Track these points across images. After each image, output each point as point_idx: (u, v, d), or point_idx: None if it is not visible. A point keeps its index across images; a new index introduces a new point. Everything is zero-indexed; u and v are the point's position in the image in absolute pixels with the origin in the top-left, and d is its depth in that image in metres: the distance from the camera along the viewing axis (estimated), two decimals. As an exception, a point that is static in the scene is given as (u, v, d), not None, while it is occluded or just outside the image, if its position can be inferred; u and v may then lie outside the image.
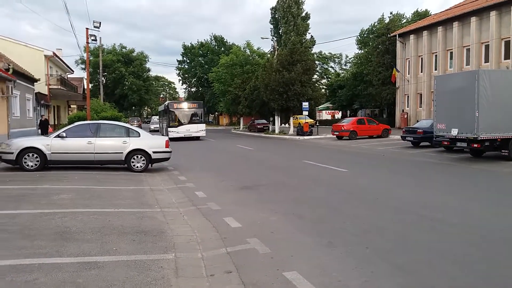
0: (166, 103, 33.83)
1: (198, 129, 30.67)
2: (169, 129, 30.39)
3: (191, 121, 30.93)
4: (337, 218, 7.01)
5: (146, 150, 12.59)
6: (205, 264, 4.95)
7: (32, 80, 27.04)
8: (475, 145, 14.17)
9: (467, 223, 6.65)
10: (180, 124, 30.52)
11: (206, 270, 4.76)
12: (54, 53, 34.47)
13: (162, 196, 9.14)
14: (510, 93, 14.08)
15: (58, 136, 12.31)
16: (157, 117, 68.59)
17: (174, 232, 6.15)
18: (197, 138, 30.72)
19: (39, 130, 25.38)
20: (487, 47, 29.11)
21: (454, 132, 14.60)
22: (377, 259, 5.01)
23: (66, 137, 12.24)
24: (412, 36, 36.10)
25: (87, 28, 27.10)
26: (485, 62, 29.22)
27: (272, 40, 47.76)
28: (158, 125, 46.00)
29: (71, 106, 48.02)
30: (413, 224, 6.61)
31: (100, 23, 27.01)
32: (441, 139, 16.07)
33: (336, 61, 72.11)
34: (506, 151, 14.28)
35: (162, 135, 32.64)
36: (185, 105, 32.32)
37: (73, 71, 46.13)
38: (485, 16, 28.95)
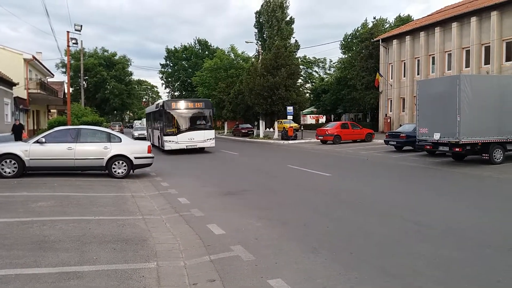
0: (161, 102, 24.93)
1: (204, 137, 22.55)
2: (165, 137, 22.22)
3: (195, 127, 22.83)
4: (321, 223, 6.98)
5: (127, 155, 12.40)
6: (187, 273, 4.84)
7: (10, 84, 26.51)
8: (457, 149, 14.38)
9: (451, 226, 6.69)
10: (180, 131, 22.31)
11: (189, 279, 4.66)
12: (33, 56, 33.92)
13: (144, 202, 8.98)
14: (490, 97, 14.36)
15: (37, 141, 12.03)
16: (139, 121, 67.49)
17: (156, 240, 6.02)
18: (202, 150, 23.40)
19: (13, 135, 24.77)
20: (468, 52, 29.71)
21: (436, 136, 14.79)
22: (362, 264, 4.98)
23: (45, 142, 11.97)
24: (395, 41, 36.62)
25: (68, 31, 26.75)
26: (466, 67, 29.81)
27: (256, 44, 47.82)
28: (144, 132, 37.12)
29: (51, 110, 47.27)
30: (397, 228, 6.62)
31: (81, 26, 26.73)
32: (424, 143, 16.26)
33: (320, 65, 72.75)
34: (486, 155, 14.52)
35: (153, 144, 24.67)
36: (187, 105, 23.33)
37: (53, 75, 45.46)
38: (466, 22, 29.57)
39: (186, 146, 22.14)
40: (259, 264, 5.02)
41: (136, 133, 38.16)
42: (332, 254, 5.37)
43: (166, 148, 22.02)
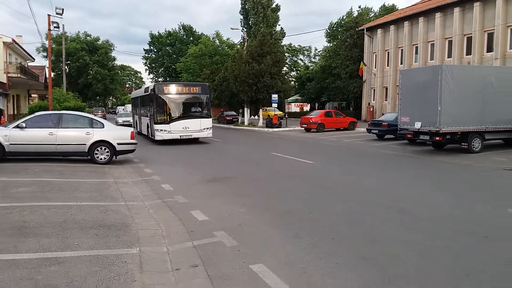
0: (151, 85, 22.12)
1: (201, 126, 20.09)
2: (156, 126, 19.61)
3: (190, 114, 20.26)
4: (304, 210, 7.07)
5: (110, 141, 12.27)
6: (170, 259, 4.87)
7: (-11, 67, 25.79)
8: (437, 138, 14.64)
9: (432, 214, 6.83)
10: (174, 118, 19.75)
11: (172, 265, 4.69)
12: (13, 39, 33.10)
13: (126, 189, 8.93)
14: (470, 88, 14.60)
15: (17, 126, 11.79)
16: (123, 107, 66.43)
17: (138, 226, 6.02)
18: (196, 140, 20.94)
19: None
20: (450, 42, 30.08)
21: (418, 125, 15.01)
22: (343, 251, 5.08)
23: (26, 127, 11.75)
24: (379, 30, 36.79)
25: (49, 15, 26.10)
26: (448, 57, 30.21)
27: (242, 31, 47.42)
28: (129, 118, 33.82)
29: (32, 95, 46.29)
30: (379, 216, 6.73)
31: (63, 9, 26.14)
32: (405, 132, 16.50)
33: (305, 53, 72.69)
34: (465, 144, 14.83)
35: (140, 133, 24.54)
36: (181, 89, 20.54)
37: (34, 59, 44.53)
38: (449, 12, 29.88)
39: (180, 136, 19.66)
40: (241, 250, 5.07)
41: (120, 120, 34.74)
42: (314, 240, 5.45)
43: (157, 138, 19.55)
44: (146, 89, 22.35)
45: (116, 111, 65.19)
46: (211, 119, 21.37)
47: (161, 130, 19.57)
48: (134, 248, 5.06)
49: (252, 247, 5.17)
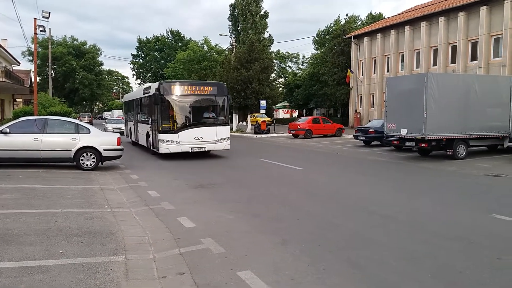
0: (155, 84, 16.78)
1: (217, 136, 16.04)
2: (161, 136, 15.45)
3: (203, 121, 16.30)
4: (291, 216, 7.08)
5: (96, 147, 12.15)
6: (157, 266, 4.82)
7: (-27, 71, 25.35)
8: (423, 145, 14.83)
9: (416, 220, 6.92)
10: (182, 126, 15.69)
11: (158, 272, 4.64)
12: (-2, 43, 32.63)
13: (112, 195, 8.84)
14: (455, 95, 14.85)
15: (1, 132, 11.60)
16: (109, 113, 65.71)
17: (124, 233, 5.95)
18: (208, 153, 17.22)
19: None
20: (435, 51, 30.57)
21: (404, 132, 15.18)
22: (330, 256, 5.09)
23: (10, 133, 11.57)
24: (366, 38, 37.23)
25: (35, 18, 25.80)
26: (433, 66, 30.68)
27: (230, 37, 47.56)
28: (121, 125, 29.60)
29: (17, 100, 45.59)
30: (364, 221, 6.79)
31: (49, 13, 25.84)
32: (391, 138, 16.68)
33: (294, 60, 73.10)
34: (450, 150, 15.04)
35: (135, 142, 21.35)
36: (193, 89, 16.19)
37: (19, 63, 43.92)
38: (434, 21, 30.40)
39: (192, 149, 15.65)
40: (229, 257, 5.05)
41: (110, 127, 30.09)
42: (301, 246, 5.46)
43: (162, 150, 15.50)
44: (147, 90, 18.05)
45: (103, 117, 64.46)
46: (229, 127, 17.46)
47: (167, 141, 15.47)
48: (120, 256, 5.00)
49: (240, 254, 5.15)
